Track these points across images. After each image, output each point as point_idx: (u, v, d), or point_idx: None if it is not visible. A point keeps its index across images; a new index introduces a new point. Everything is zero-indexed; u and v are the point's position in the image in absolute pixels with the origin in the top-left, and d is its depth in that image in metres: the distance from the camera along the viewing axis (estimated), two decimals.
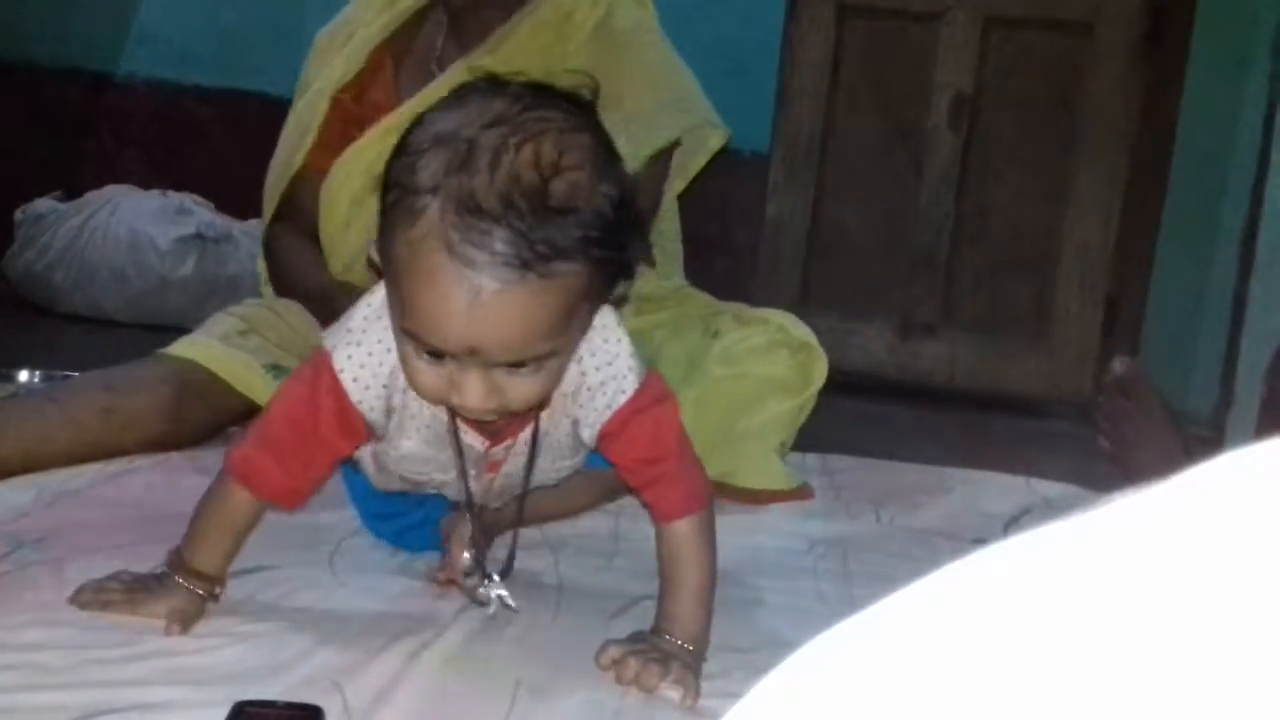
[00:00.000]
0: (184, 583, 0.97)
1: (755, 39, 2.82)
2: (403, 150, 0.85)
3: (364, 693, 0.87)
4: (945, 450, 2.15)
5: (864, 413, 2.38)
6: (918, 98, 2.76)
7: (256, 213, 2.72)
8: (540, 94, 0.84)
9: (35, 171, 2.80)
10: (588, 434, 0.99)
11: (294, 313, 1.58)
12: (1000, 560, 0.31)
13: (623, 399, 0.96)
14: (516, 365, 0.86)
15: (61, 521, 1.17)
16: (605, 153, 0.86)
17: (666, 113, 1.57)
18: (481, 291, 0.80)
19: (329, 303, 1.42)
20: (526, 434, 0.99)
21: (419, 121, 0.86)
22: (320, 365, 0.95)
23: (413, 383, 0.90)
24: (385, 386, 0.95)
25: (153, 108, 3.03)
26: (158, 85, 3.03)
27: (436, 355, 0.86)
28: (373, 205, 0.91)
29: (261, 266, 1.74)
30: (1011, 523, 1.53)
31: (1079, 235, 2.71)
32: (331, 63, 1.61)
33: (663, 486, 0.98)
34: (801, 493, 1.57)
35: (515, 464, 1.02)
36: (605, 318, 0.94)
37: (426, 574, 1.14)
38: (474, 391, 0.86)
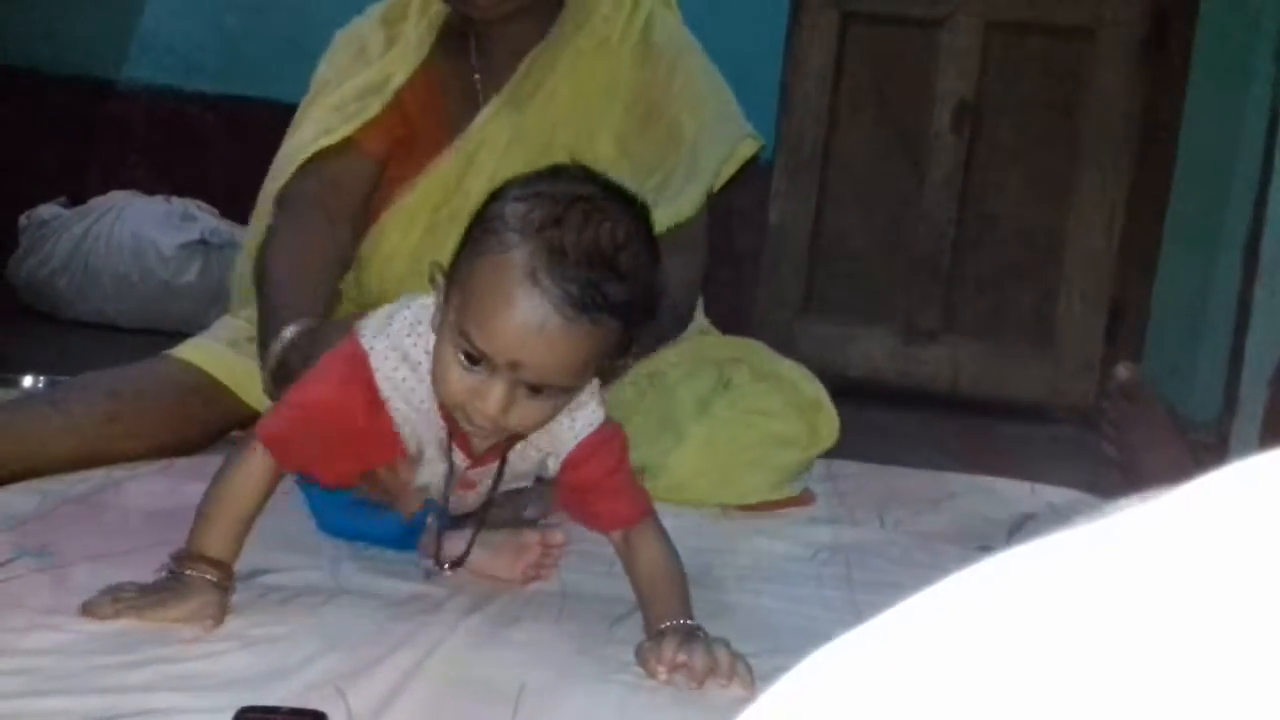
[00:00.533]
0: (200, 574, 0.98)
1: (758, 46, 2.82)
2: (502, 196, 1.00)
3: (367, 698, 0.87)
4: (949, 456, 2.15)
5: (867, 419, 2.38)
6: (920, 104, 2.76)
7: None
8: (615, 190, 1.02)
9: (39, 178, 2.81)
10: (553, 463, 1.09)
11: None
12: (1004, 571, 0.31)
13: (589, 431, 1.07)
14: (536, 391, 0.98)
15: (64, 528, 1.17)
16: (651, 250, 1.02)
17: (716, 135, 1.58)
18: (547, 320, 0.95)
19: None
20: (495, 464, 1.11)
21: (521, 179, 1.01)
22: (357, 360, 1.03)
23: (441, 380, 1.00)
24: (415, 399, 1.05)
25: (156, 114, 3.04)
26: (161, 92, 3.04)
27: (474, 362, 0.97)
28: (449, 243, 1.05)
29: (238, 279, 1.64)
30: (1016, 529, 1.53)
31: (1082, 241, 2.71)
32: (371, 65, 1.56)
33: (618, 499, 1.09)
34: (802, 498, 1.56)
35: (483, 485, 1.13)
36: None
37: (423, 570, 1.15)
38: (496, 399, 0.97)
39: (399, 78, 1.54)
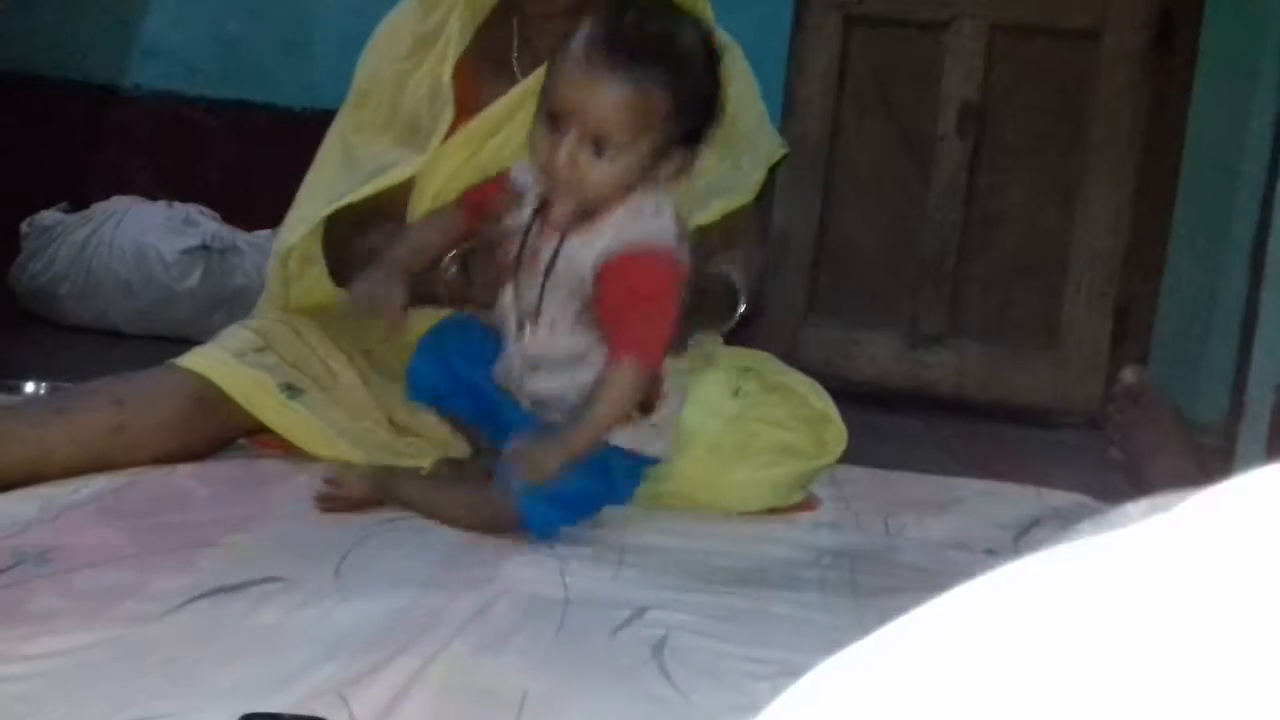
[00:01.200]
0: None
1: (762, 49, 2.81)
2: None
3: (370, 705, 0.86)
4: (954, 461, 2.14)
5: (872, 423, 2.37)
6: (925, 106, 2.75)
7: (263, 223, 2.72)
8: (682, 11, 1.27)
9: (42, 183, 2.81)
10: (593, 260, 1.24)
11: (312, 330, 1.56)
12: (1010, 583, 0.31)
13: (639, 241, 1.24)
14: (598, 151, 1.21)
15: (66, 534, 1.17)
16: (709, 59, 1.24)
17: (764, 131, 1.71)
18: (592, 53, 1.19)
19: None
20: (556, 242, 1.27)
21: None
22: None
23: (532, 149, 1.25)
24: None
25: (159, 119, 3.03)
26: (164, 97, 3.04)
27: (553, 126, 1.21)
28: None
29: (272, 275, 1.67)
30: (1022, 534, 1.52)
31: (1088, 244, 2.71)
32: (406, 59, 1.56)
33: (618, 330, 1.25)
34: (806, 503, 1.55)
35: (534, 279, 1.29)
36: (664, 202, 1.26)
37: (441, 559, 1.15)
38: (565, 149, 1.21)
39: (446, 78, 1.54)
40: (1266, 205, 2.34)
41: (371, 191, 1.53)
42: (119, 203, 2.66)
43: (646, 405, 1.33)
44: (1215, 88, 2.66)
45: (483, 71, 1.56)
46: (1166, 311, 2.71)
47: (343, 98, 1.65)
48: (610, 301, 1.25)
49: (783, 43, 2.77)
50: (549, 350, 1.31)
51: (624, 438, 1.32)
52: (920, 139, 2.76)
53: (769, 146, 1.72)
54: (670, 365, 1.33)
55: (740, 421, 1.50)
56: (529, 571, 1.20)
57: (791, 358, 1.67)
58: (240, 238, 2.62)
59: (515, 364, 1.34)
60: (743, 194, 1.63)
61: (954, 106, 2.74)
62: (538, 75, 1.45)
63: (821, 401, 1.56)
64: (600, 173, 1.22)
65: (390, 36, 1.60)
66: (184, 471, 1.40)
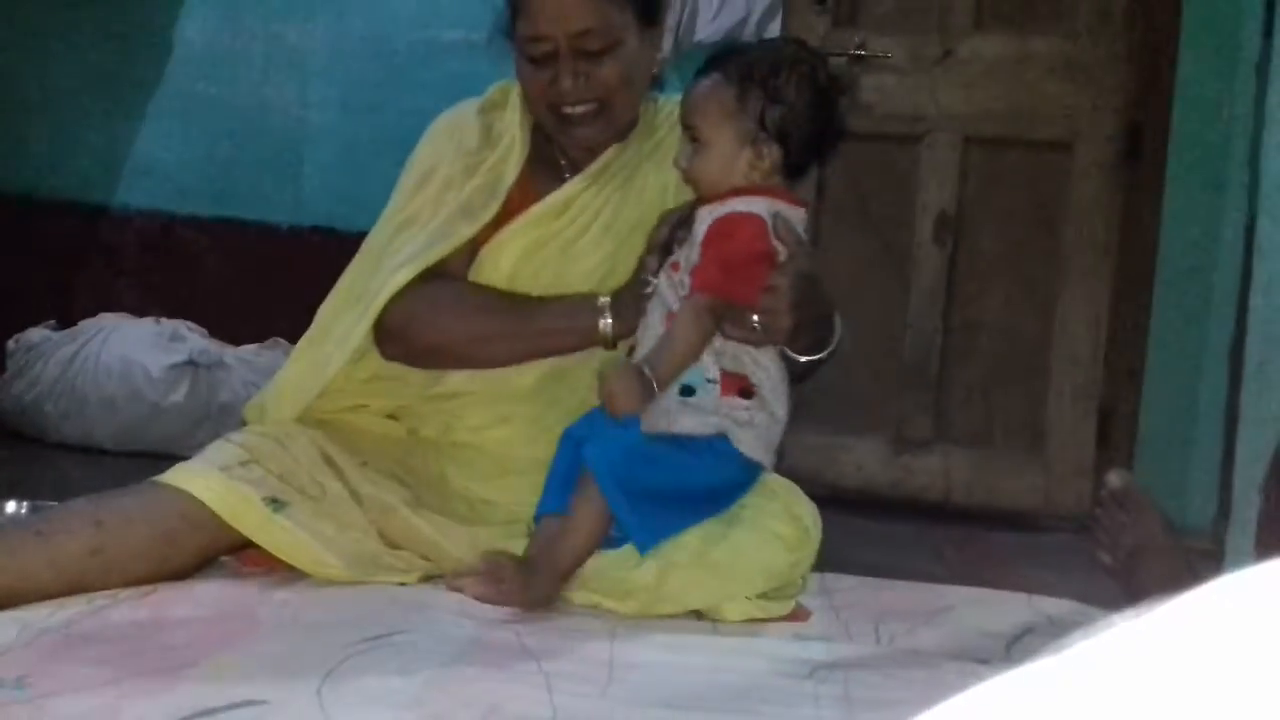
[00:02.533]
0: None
1: None
2: None
3: None
4: (943, 567, 2.13)
5: (860, 528, 2.36)
6: (902, 216, 2.81)
7: (250, 338, 2.73)
8: None
9: (30, 302, 2.83)
10: (701, 231, 1.40)
11: (298, 443, 1.55)
12: (1005, 695, 0.31)
13: (735, 212, 1.39)
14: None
15: (44, 659, 1.14)
16: None
17: None
18: None
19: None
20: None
21: None
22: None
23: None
24: None
25: (147, 237, 3.07)
26: (154, 216, 3.08)
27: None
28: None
29: (256, 400, 1.66)
30: (1014, 642, 1.50)
31: (1068, 348, 2.74)
32: (469, 155, 1.62)
33: (696, 273, 1.39)
34: (798, 614, 1.54)
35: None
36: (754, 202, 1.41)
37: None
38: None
39: (509, 177, 1.60)
40: (1242, 309, 2.37)
41: (436, 257, 1.56)
42: (106, 320, 2.68)
43: (746, 390, 1.43)
44: (1186, 196, 2.72)
45: (536, 169, 1.63)
46: (1150, 414, 2.73)
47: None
48: (700, 255, 1.40)
49: None
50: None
51: (730, 429, 1.42)
52: (899, 248, 2.81)
53: None
54: (771, 366, 1.46)
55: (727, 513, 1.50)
56: (515, 689, 1.18)
57: (778, 464, 1.67)
58: (227, 353, 2.63)
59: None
60: None
61: (931, 216, 2.79)
62: (587, 172, 1.59)
63: (801, 502, 1.58)
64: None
65: (457, 132, 1.66)
66: (164, 591, 1.38)
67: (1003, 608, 1.66)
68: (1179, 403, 2.71)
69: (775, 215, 1.41)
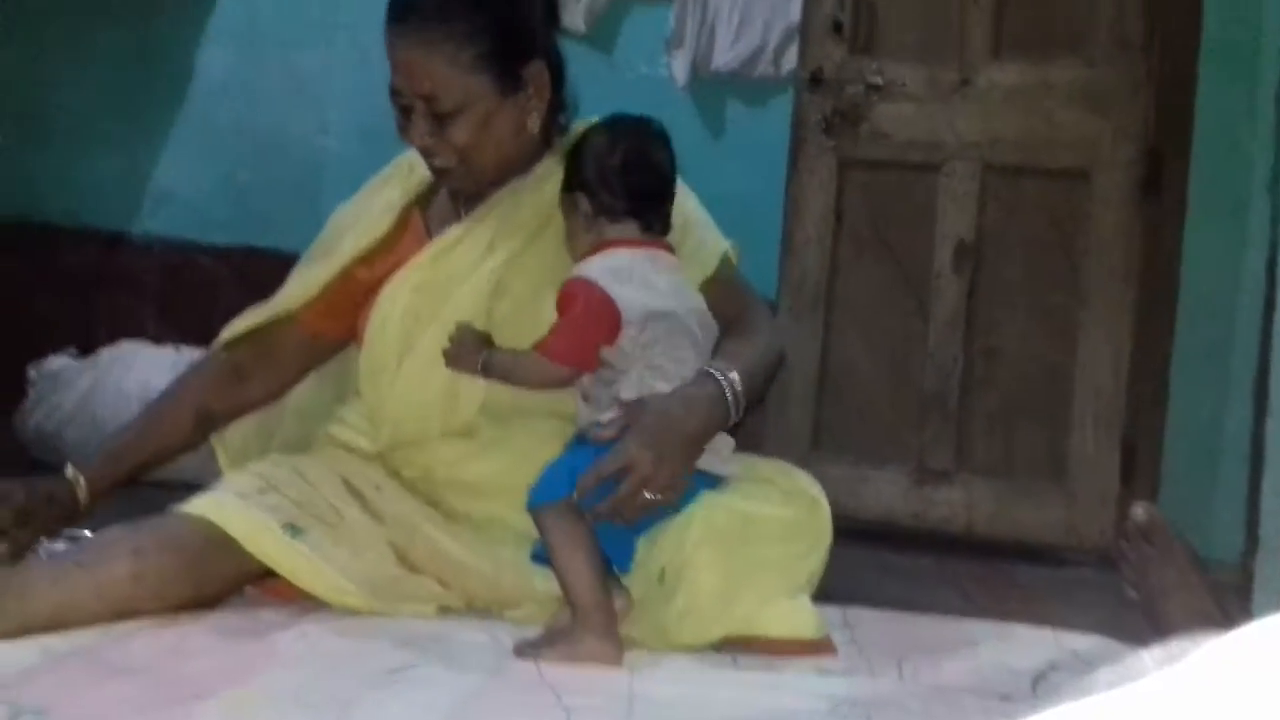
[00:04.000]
0: None
1: (760, 191, 2.89)
2: None
3: None
4: (965, 600, 2.11)
5: (881, 561, 2.34)
6: (921, 245, 2.80)
7: None
8: None
9: (50, 329, 2.84)
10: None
11: (316, 470, 1.57)
12: None
13: (570, 278, 1.52)
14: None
15: (65, 687, 1.15)
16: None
17: (708, 224, 1.73)
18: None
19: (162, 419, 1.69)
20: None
21: None
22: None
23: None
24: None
25: (167, 265, 3.09)
26: (173, 243, 3.10)
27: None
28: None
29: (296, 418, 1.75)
30: (1039, 678, 1.48)
31: (1090, 378, 2.71)
32: (352, 233, 1.67)
33: (548, 337, 1.51)
34: (824, 646, 1.52)
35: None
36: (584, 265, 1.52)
37: None
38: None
39: (402, 201, 1.66)
40: (1265, 339, 2.35)
41: (327, 275, 1.65)
42: (126, 348, 2.69)
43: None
44: (1207, 224, 2.71)
45: (435, 218, 1.68)
46: (1174, 445, 2.70)
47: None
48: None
49: (779, 185, 2.84)
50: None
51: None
52: (918, 276, 2.80)
53: (715, 235, 1.73)
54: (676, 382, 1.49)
55: (738, 508, 1.51)
56: None
57: None
58: None
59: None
60: (703, 266, 1.65)
61: (949, 245, 2.78)
62: (479, 213, 1.62)
63: (802, 480, 1.61)
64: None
65: (334, 220, 1.75)
66: (184, 621, 1.39)
67: (1027, 643, 1.64)
68: (1203, 434, 2.68)
69: (615, 269, 1.49)
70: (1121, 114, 2.69)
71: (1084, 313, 2.71)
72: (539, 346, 1.50)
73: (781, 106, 2.94)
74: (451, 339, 1.54)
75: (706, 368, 1.50)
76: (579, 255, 1.54)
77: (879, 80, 2.80)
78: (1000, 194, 2.77)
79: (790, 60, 3.00)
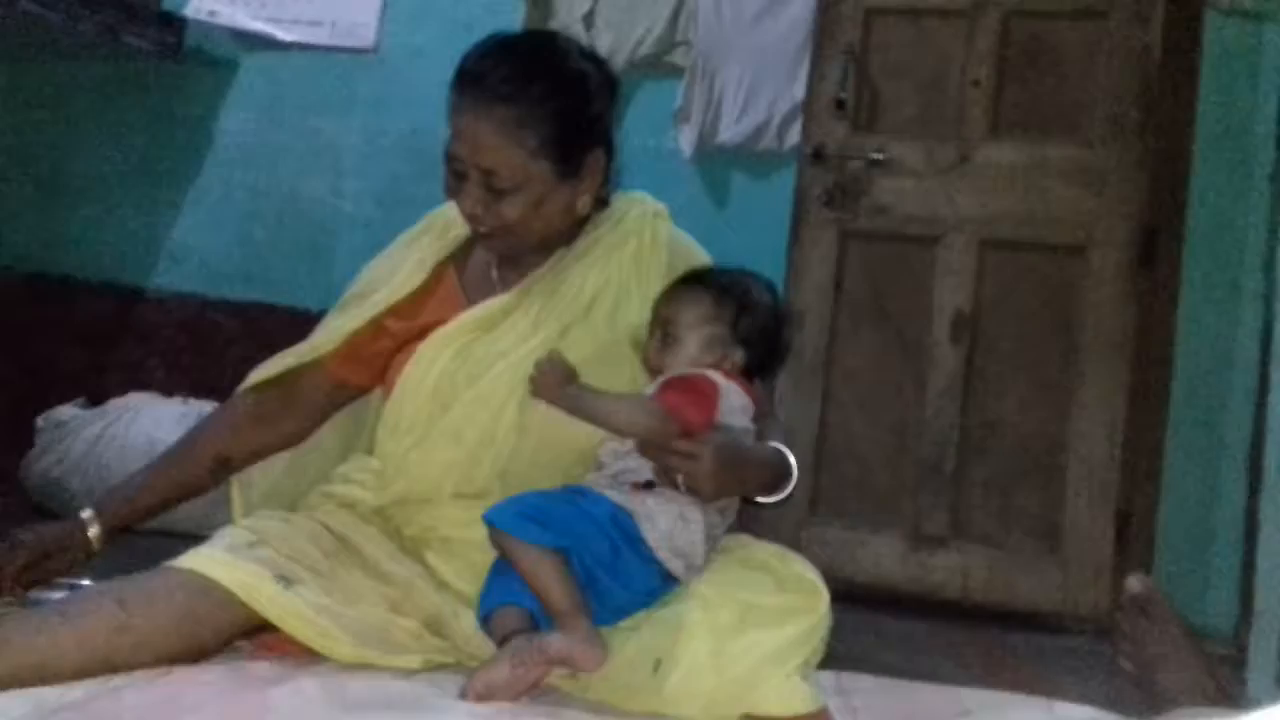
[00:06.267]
0: None
1: (762, 261, 2.91)
2: None
3: None
4: (960, 667, 2.11)
5: (876, 625, 2.35)
6: (919, 315, 2.84)
7: None
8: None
9: (62, 380, 2.87)
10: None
11: (307, 524, 1.58)
12: None
13: (694, 371, 1.55)
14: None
15: None
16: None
17: None
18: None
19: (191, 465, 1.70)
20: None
21: None
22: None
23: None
24: None
25: (181, 320, 3.12)
26: (187, 299, 3.14)
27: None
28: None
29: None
30: None
31: (1085, 449, 2.73)
32: (385, 285, 1.68)
33: (657, 392, 1.55)
34: (821, 718, 1.52)
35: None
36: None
37: None
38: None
39: (431, 258, 1.67)
40: (1259, 413, 2.38)
41: (357, 324, 1.66)
42: (135, 399, 2.71)
43: (649, 483, 1.52)
44: (1201, 300, 2.75)
45: (470, 278, 1.68)
46: (1168, 517, 2.71)
47: None
48: (658, 388, 1.58)
49: (780, 255, 2.89)
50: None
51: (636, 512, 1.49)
52: (916, 346, 2.84)
53: None
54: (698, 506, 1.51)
55: (737, 599, 1.49)
56: None
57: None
58: None
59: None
60: None
61: (947, 315, 2.82)
62: (525, 284, 1.63)
63: (798, 565, 1.56)
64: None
65: (370, 269, 1.75)
66: (178, 674, 1.37)
67: (1022, 713, 1.63)
68: (1198, 505, 2.70)
69: (728, 388, 1.54)
70: (1117, 192, 2.75)
71: (1079, 385, 2.74)
72: (660, 397, 1.52)
73: (784, 179, 2.99)
74: (538, 366, 1.54)
75: (777, 445, 1.63)
76: (688, 361, 1.56)
77: (880, 156, 2.86)
78: (997, 267, 2.82)
79: (794, 135, 3.06)
